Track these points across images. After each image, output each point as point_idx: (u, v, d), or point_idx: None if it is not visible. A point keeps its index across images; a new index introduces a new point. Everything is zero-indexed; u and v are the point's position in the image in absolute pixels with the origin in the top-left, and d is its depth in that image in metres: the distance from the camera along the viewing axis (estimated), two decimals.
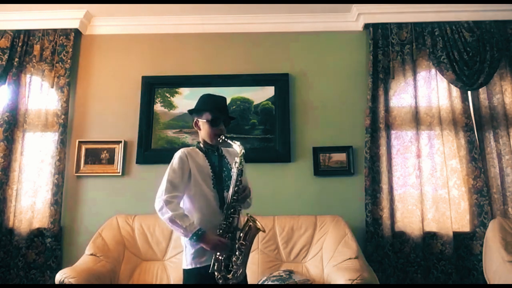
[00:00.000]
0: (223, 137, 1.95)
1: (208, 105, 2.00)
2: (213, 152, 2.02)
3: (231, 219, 1.85)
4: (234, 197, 1.87)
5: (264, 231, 1.90)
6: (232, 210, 1.86)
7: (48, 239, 3.11)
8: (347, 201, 3.22)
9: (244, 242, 1.83)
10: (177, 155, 1.93)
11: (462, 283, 3.02)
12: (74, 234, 3.23)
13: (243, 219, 1.95)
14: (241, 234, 1.86)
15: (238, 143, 1.94)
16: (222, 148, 2.06)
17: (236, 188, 1.87)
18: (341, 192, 3.26)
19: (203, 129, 2.00)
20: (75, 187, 3.33)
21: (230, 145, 1.98)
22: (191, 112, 2.06)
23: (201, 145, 2.02)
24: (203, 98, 2.04)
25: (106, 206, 3.25)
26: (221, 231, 1.83)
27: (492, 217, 3.05)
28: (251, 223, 1.85)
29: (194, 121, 2.04)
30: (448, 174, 3.19)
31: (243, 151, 1.92)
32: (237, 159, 1.91)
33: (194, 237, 1.78)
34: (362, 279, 2.27)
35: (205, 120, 1.97)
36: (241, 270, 1.80)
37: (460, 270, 3.06)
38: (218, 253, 1.80)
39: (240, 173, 1.89)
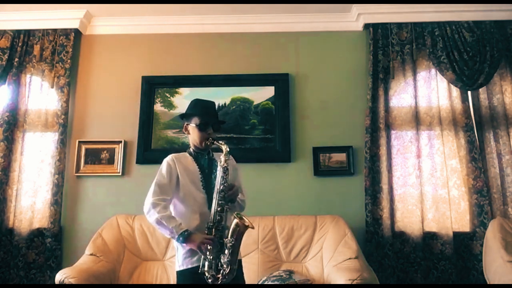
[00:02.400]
0: (211, 140, 1.99)
1: (196, 109, 2.04)
2: (203, 156, 2.05)
3: (218, 217, 1.86)
4: (220, 195, 1.87)
5: (252, 228, 1.88)
6: (218, 208, 1.86)
7: (48, 239, 3.11)
8: (347, 201, 3.22)
9: (231, 239, 1.82)
10: (165, 161, 1.99)
11: (462, 283, 3.02)
12: (74, 234, 3.23)
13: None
14: (229, 232, 1.85)
15: (222, 142, 1.98)
16: (213, 152, 2.10)
17: (221, 186, 1.88)
18: (341, 192, 3.26)
19: (193, 134, 2.03)
20: (75, 187, 3.33)
21: (219, 149, 2.00)
22: (181, 117, 2.10)
23: (191, 150, 2.06)
24: (192, 103, 2.08)
25: (106, 206, 3.25)
26: (208, 230, 1.84)
27: (492, 217, 3.05)
28: (238, 221, 1.84)
29: (184, 125, 2.07)
30: (448, 174, 3.19)
31: (227, 149, 1.95)
32: (222, 158, 1.93)
33: (181, 238, 1.79)
34: (362, 279, 2.27)
35: (194, 125, 2.01)
36: (229, 269, 1.79)
37: (460, 270, 3.06)
38: (207, 252, 1.79)
39: (226, 171, 1.91)
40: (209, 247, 1.78)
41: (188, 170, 1.97)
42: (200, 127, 1.99)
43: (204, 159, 2.04)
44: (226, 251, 1.81)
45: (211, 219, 1.86)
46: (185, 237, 1.79)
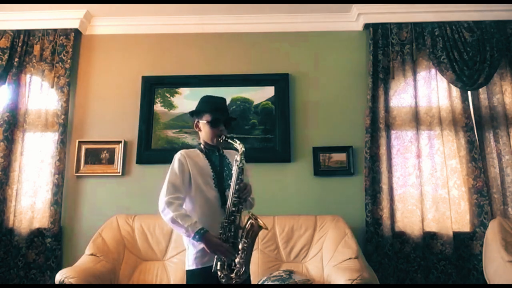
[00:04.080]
0: (224, 137, 1.96)
1: (207, 106, 2.01)
2: (213, 152, 2.03)
3: (232, 217, 1.85)
4: (235, 195, 1.86)
5: (266, 229, 1.89)
6: (233, 208, 1.85)
7: (48, 239, 3.11)
8: (347, 201, 3.22)
9: (246, 241, 1.82)
10: (176, 157, 1.95)
11: (462, 283, 3.02)
12: (74, 234, 3.23)
13: (244, 218, 1.94)
14: (243, 233, 1.85)
15: (238, 142, 1.95)
16: (223, 149, 2.07)
17: (237, 186, 1.87)
18: (341, 192, 3.26)
19: (204, 130, 2.01)
20: (75, 187, 3.33)
21: (231, 146, 1.98)
22: (191, 114, 2.08)
23: (202, 146, 2.04)
24: (203, 100, 2.07)
25: (106, 206, 3.25)
26: (222, 229, 1.83)
27: (492, 217, 3.05)
28: (253, 221, 1.84)
29: (195, 122, 2.05)
30: (448, 174, 3.19)
31: (243, 149, 1.92)
32: (238, 157, 1.91)
33: (197, 236, 1.77)
34: (362, 279, 2.27)
35: (205, 122, 1.98)
36: (244, 269, 1.79)
37: (460, 270, 3.06)
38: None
39: (241, 171, 1.89)
40: (223, 254, 1.77)
41: (199, 167, 1.94)
42: (212, 124, 1.96)
43: (215, 155, 2.01)
44: (240, 252, 1.81)
45: (225, 218, 1.84)
46: (201, 235, 1.77)
